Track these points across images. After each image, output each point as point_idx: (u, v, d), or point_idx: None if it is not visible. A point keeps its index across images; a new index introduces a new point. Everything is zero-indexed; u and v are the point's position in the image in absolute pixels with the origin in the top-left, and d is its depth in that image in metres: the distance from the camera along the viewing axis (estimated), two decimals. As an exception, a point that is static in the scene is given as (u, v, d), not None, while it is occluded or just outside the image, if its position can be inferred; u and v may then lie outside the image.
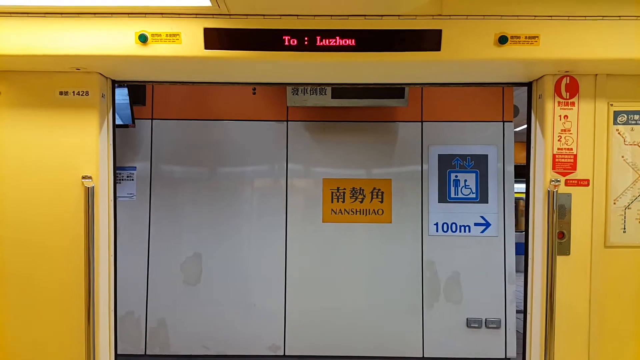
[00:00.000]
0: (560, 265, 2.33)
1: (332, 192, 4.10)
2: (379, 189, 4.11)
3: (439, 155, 4.13)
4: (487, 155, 4.11)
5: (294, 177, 4.11)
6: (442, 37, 2.23)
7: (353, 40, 2.28)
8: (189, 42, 2.26)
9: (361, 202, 4.10)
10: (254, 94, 4.09)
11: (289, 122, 4.13)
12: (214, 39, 2.27)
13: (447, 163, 4.13)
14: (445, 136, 4.13)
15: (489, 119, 4.14)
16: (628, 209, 2.42)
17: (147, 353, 4.01)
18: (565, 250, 2.36)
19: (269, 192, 4.10)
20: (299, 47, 2.27)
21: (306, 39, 2.27)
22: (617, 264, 2.40)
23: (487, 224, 4.07)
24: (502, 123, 4.12)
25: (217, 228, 4.04)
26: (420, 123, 4.15)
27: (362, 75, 2.55)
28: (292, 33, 2.26)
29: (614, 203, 2.42)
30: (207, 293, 4.02)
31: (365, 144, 4.12)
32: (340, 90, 3.82)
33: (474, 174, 4.11)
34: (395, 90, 3.84)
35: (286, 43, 2.27)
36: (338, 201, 4.09)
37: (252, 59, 2.29)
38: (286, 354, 4.01)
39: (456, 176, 4.13)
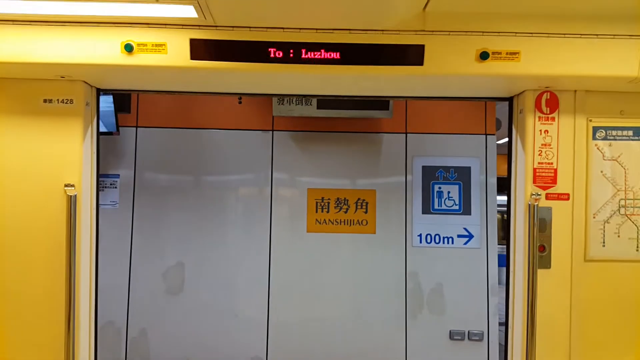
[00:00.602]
0: (541, 279, 2.36)
1: (317, 202, 4.10)
2: (364, 200, 4.13)
3: (423, 167, 4.16)
4: (470, 167, 4.16)
5: (279, 187, 4.10)
6: (425, 52, 2.26)
7: (338, 54, 2.30)
8: (174, 52, 2.26)
9: (346, 212, 4.11)
10: (240, 103, 4.09)
11: (274, 132, 4.13)
12: (200, 49, 2.27)
13: (431, 174, 4.16)
14: (429, 148, 4.17)
15: (472, 132, 4.20)
16: (607, 223, 2.47)
17: (128, 364, 3.95)
18: (546, 263, 2.39)
19: (253, 201, 4.08)
20: (284, 60, 2.29)
21: (291, 51, 2.29)
22: (597, 277, 2.45)
23: (470, 236, 4.11)
24: (485, 136, 4.18)
25: (201, 237, 4.01)
26: (405, 134, 4.18)
27: (346, 87, 2.57)
28: (278, 45, 2.28)
29: (594, 217, 2.47)
30: (190, 302, 3.97)
31: (351, 154, 4.14)
32: (326, 101, 3.84)
33: (457, 186, 4.15)
34: (380, 102, 3.88)
35: (271, 55, 2.29)
36: (322, 211, 4.10)
37: (238, 70, 2.30)
38: (269, 365, 3.99)
39: (440, 188, 4.16)
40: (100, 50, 2.23)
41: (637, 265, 2.44)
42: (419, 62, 2.27)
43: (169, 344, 3.95)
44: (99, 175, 2.69)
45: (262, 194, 4.08)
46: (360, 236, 4.09)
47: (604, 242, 2.45)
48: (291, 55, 2.29)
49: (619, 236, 2.45)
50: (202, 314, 3.97)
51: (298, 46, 2.29)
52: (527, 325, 2.33)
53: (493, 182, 4.12)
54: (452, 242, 4.10)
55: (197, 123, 4.08)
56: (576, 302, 2.41)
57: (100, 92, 2.65)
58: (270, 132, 4.13)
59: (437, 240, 4.12)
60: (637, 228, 2.46)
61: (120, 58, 2.24)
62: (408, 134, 4.18)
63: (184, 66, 2.27)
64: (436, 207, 4.14)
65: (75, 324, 2.46)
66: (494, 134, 4.20)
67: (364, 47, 2.28)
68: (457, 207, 4.14)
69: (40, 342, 2.49)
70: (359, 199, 4.13)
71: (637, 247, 2.45)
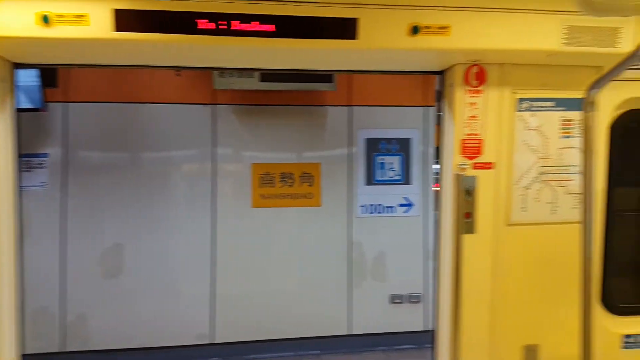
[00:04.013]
0: (467, 243, 2.50)
1: (262, 177, 4.10)
2: (309, 173, 4.17)
3: (366, 139, 4.24)
4: (411, 138, 4.28)
5: (222, 162, 4.06)
6: (358, 25, 2.27)
7: (273, 26, 2.27)
8: (97, 23, 2.16)
9: (291, 186, 4.14)
10: (178, 75, 3.97)
11: (216, 106, 4.06)
12: (125, 20, 2.18)
13: (374, 146, 4.25)
14: (372, 120, 4.24)
15: (413, 104, 4.30)
16: (528, 189, 2.63)
17: (67, 350, 3.84)
18: (471, 229, 2.53)
19: (196, 177, 4.03)
20: (215, 31, 2.23)
21: (223, 23, 2.24)
22: (518, 240, 2.61)
23: (410, 205, 4.26)
24: (425, 108, 4.29)
25: (140, 216, 3.92)
26: (349, 107, 4.22)
27: (281, 61, 2.56)
28: (207, 16, 2.22)
29: (516, 184, 2.62)
30: (130, 284, 3.91)
31: (295, 128, 4.15)
32: (269, 74, 3.79)
33: (398, 157, 4.27)
34: (324, 75, 3.88)
35: (201, 26, 2.23)
36: (267, 186, 4.11)
37: (165, 42, 2.23)
38: (216, 341, 4.01)
39: (382, 159, 4.27)
40: (12, 21, 2.09)
41: (554, 226, 2.62)
42: (353, 35, 2.28)
43: (110, 327, 3.88)
44: (18, 155, 2.54)
45: (204, 170, 4.02)
46: (305, 209, 4.14)
47: (525, 207, 2.62)
48: (222, 26, 2.24)
49: (538, 201, 2.62)
50: (143, 294, 3.92)
51: (229, 17, 2.24)
52: (454, 285, 2.47)
53: (432, 152, 4.26)
54: (394, 211, 4.24)
55: (133, 97, 3.93)
56: (498, 263, 2.58)
57: (16, 66, 2.50)
58: (212, 105, 4.05)
59: (379, 210, 4.24)
60: (555, 192, 2.64)
61: (37, 30, 2.11)
62: (352, 107, 4.23)
63: (107, 38, 2.18)
64: (379, 178, 4.25)
65: None
66: (433, 106, 4.31)
67: (299, 19, 2.27)
68: (398, 178, 4.27)
69: None
70: (304, 172, 4.16)
71: (554, 210, 2.63)
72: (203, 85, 4.00)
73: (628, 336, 2.81)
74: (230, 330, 4.04)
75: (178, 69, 2.82)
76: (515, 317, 2.62)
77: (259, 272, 4.08)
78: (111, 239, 3.89)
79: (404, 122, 4.27)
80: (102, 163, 3.90)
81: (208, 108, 4.04)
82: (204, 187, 4.02)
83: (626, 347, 2.81)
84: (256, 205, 4.08)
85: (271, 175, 4.11)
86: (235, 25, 2.26)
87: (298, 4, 2.26)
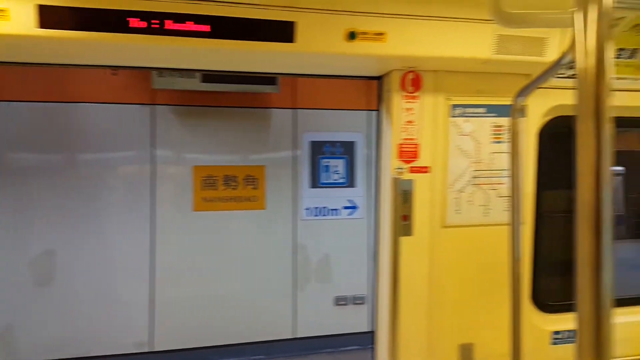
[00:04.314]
0: (404, 245, 2.55)
1: (204, 180, 4.02)
2: (253, 176, 4.12)
3: (311, 142, 4.25)
4: (355, 142, 4.33)
5: (162, 165, 3.93)
6: (296, 29, 2.27)
7: (208, 26, 2.23)
8: (19, 19, 2.03)
9: (234, 189, 4.08)
10: (115, 74, 3.82)
11: (156, 106, 3.93)
12: (49, 17, 2.06)
13: (319, 149, 4.27)
14: (317, 123, 4.25)
15: (357, 108, 4.34)
16: (462, 192, 2.71)
17: (-10, 362, 3.63)
18: (408, 231, 2.58)
19: (134, 181, 3.88)
20: (148, 30, 2.16)
21: (155, 22, 2.17)
22: (453, 241, 2.70)
23: (355, 207, 4.30)
24: (368, 112, 4.35)
25: (74, 221, 3.73)
26: (293, 110, 4.21)
27: (219, 62, 2.51)
28: (139, 15, 2.14)
29: (451, 187, 2.70)
30: (63, 292, 3.71)
31: (239, 130, 4.09)
32: (211, 75, 3.72)
33: (343, 160, 4.31)
34: (267, 77, 3.85)
35: (132, 25, 2.15)
36: (210, 189, 4.03)
37: (95, 41, 2.13)
38: (155, 349, 3.89)
39: (327, 162, 4.29)
40: None
41: (486, 228, 2.72)
42: (290, 39, 2.28)
43: (41, 339, 3.68)
44: None
45: (143, 172, 3.88)
46: (250, 212, 4.09)
47: (459, 210, 2.70)
48: (154, 25, 2.17)
49: (472, 204, 2.71)
50: (78, 302, 3.73)
51: (162, 16, 2.17)
52: (392, 287, 2.52)
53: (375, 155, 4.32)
54: (339, 214, 4.27)
55: (65, 96, 3.73)
56: (435, 264, 2.65)
57: None
58: (152, 106, 3.92)
59: (324, 213, 4.26)
60: (487, 195, 2.74)
61: None
62: (297, 110, 4.22)
63: (30, 35, 2.05)
64: (324, 180, 4.27)
65: None
66: (376, 110, 4.37)
67: (235, 20, 2.23)
68: (343, 180, 4.30)
69: None
70: (248, 175, 4.11)
71: (487, 212, 2.73)
72: (141, 85, 3.86)
73: (557, 332, 2.96)
74: (171, 337, 3.92)
75: (111, 68, 2.71)
76: (451, 316, 2.70)
77: (201, 277, 3.99)
78: (42, 245, 3.68)
79: (348, 125, 4.30)
80: (32, 165, 3.67)
81: (147, 108, 3.91)
82: (143, 190, 3.88)
83: (555, 343, 2.96)
84: (198, 208, 3.99)
85: (214, 178, 4.03)
86: (169, 24, 2.19)
87: (234, 5, 2.23)
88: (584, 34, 0.99)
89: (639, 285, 3.35)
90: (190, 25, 2.21)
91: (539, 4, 1.84)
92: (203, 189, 4.00)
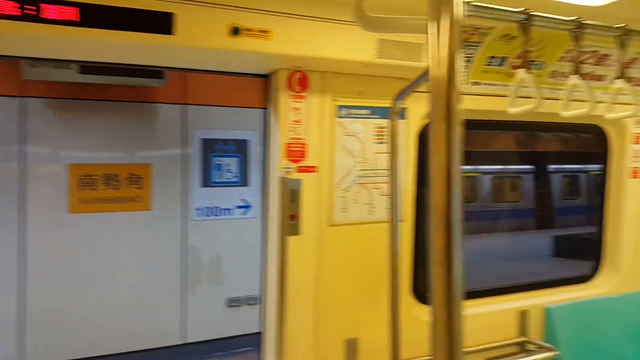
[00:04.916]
0: (292, 245, 2.56)
1: (81, 179, 3.70)
2: (137, 175, 3.89)
3: (203, 140, 4.11)
4: (248, 140, 4.26)
5: (33, 163, 3.57)
6: (175, 21, 2.16)
7: (76, 14, 2.04)
8: None
9: (116, 189, 3.81)
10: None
11: (27, 99, 3.55)
12: None
13: (211, 147, 4.14)
14: (209, 120, 4.13)
15: (251, 105, 4.27)
16: (348, 191, 2.79)
17: None
18: (296, 230, 2.60)
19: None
20: (16, 18, 1.93)
21: (31, 7, 1.95)
22: (340, 239, 2.76)
23: (249, 206, 4.25)
24: (262, 110, 4.30)
25: None
26: (182, 106, 4.04)
27: (89, 53, 2.32)
28: None
29: (337, 187, 2.76)
30: None
31: (121, 125, 3.83)
32: (89, 66, 3.42)
33: (236, 158, 4.22)
34: (153, 70, 3.64)
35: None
36: (89, 189, 3.72)
37: None
38: (25, 365, 3.53)
39: (219, 160, 4.18)
40: None
41: (371, 226, 2.82)
42: (169, 31, 2.16)
43: None
44: None
45: (10, 171, 3.50)
46: (134, 214, 3.85)
47: (345, 208, 2.77)
48: (27, 12, 1.94)
49: (357, 202, 2.80)
50: None
51: (30, 2, 1.95)
52: (280, 286, 2.51)
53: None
54: (232, 214, 4.19)
55: None
56: (322, 263, 2.70)
57: None
58: (21, 98, 3.53)
59: (216, 213, 4.14)
60: (371, 194, 2.84)
61: None
62: (188, 105, 4.05)
63: None
64: (215, 179, 4.15)
65: None
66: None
67: (106, 8, 2.07)
68: (236, 179, 4.22)
69: None
70: (131, 174, 3.87)
71: (371, 210, 2.84)
72: (9, 75, 3.47)
73: None
74: (44, 351, 3.58)
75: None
76: (337, 313, 2.76)
77: (80, 284, 3.67)
78: None
79: (241, 123, 4.23)
80: None
81: (15, 100, 3.51)
82: (10, 190, 3.49)
83: None
84: (75, 210, 3.66)
85: (93, 177, 3.73)
86: (32, 11, 1.97)
87: None
88: (437, 42, 1.04)
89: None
90: (55, 12, 2.01)
91: (405, 10, 1.94)
92: (80, 189, 3.69)
